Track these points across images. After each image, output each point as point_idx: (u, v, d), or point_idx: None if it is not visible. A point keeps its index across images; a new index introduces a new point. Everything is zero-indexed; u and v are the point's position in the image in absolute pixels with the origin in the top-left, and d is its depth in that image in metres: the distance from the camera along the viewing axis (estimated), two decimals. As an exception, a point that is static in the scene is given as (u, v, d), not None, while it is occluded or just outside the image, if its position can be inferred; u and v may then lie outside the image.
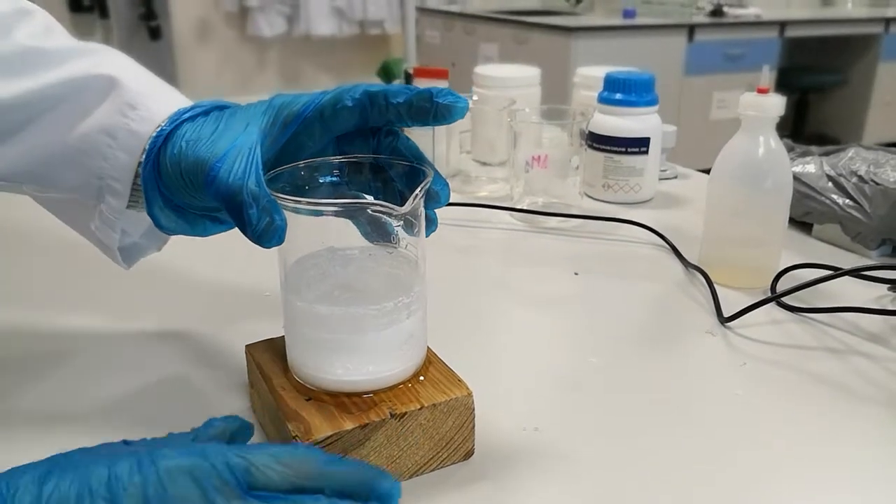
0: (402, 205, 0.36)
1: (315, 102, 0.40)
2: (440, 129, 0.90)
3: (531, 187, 0.80)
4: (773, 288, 0.62)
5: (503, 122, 0.85)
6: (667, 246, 0.72)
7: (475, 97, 0.90)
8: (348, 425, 0.37)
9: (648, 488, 0.40)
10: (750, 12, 3.50)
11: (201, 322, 0.57)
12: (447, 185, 0.41)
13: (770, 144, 0.61)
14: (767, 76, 0.61)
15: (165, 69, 3.33)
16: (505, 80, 0.92)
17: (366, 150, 0.42)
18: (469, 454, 0.41)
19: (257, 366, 0.43)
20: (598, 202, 0.85)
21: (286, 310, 0.40)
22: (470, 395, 0.40)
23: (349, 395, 0.39)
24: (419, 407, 0.39)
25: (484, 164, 0.91)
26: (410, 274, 0.40)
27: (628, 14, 3.32)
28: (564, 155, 0.78)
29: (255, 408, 0.45)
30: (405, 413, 0.38)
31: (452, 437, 0.40)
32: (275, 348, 0.44)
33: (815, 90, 4.08)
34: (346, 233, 0.40)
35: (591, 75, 0.93)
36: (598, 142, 0.83)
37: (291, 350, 0.41)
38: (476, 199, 0.84)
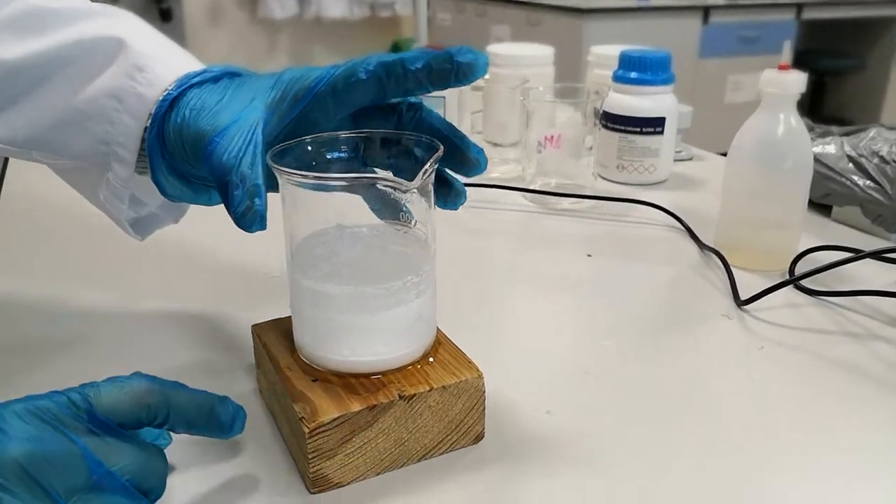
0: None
1: (327, 77, 0.39)
2: (451, 108, 0.89)
3: (543, 168, 0.78)
4: (791, 271, 0.61)
5: (516, 101, 0.84)
6: (682, 228, 0.70)
7: (487, 76, 0.88)
8: (356, 407, 0.36)
9: (662, 473, 0.39)
10: (766, -6, 3.44)
11: (208, 302, 0.56)
12: (481, 150, 0.40)
13: (790, 123, 0.59)
14: (788, 53, 0.59)
15: (176, 51, 3.32)
16: (518, 59, 0.91)
17: (387, 126, 0.41)
18: (479, 437, 0.40)
19: (263, 346, 0.42)
20: (611, 183, 0.84)
21: (292, 289, 0.39)
22: (480, 377, 0.39)
23: (357, 376, 0.38)
24: (428, 388, 0.38)
25: (496, 144, 0.89)
26: (420, 253, 0.39)
27: (642, -5, 3.27)
28: (578, 135, 0.77)
29: (262, 389, 0.44)
30: (414, 395, 0.37)
31: (462, 420, 0.39)
32: (282, 328, 0.43)
33: (832, 74, 4.02)
34: (354, 210, 0.39)
35: (605, 54, 0.91)
36: (612, 121, 0.81)
37: (298, 330, 0.40)
38: (487, 181, 0.82)
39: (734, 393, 0.46)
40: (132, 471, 0.32)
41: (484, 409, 0.40)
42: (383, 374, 0.39)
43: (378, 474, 0.38)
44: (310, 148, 0.39)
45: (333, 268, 0.39)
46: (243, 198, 0.36)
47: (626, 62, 0.80)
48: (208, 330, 0.52)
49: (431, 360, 0.40)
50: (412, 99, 0.41)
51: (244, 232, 0.36)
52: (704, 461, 0.40)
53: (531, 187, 0.78)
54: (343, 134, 0.40)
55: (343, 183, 0.36)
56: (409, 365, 0.39)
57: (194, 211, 0.50)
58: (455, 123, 0.88)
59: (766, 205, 0.61)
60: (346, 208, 0.38)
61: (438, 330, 0.42)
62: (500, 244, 0.70)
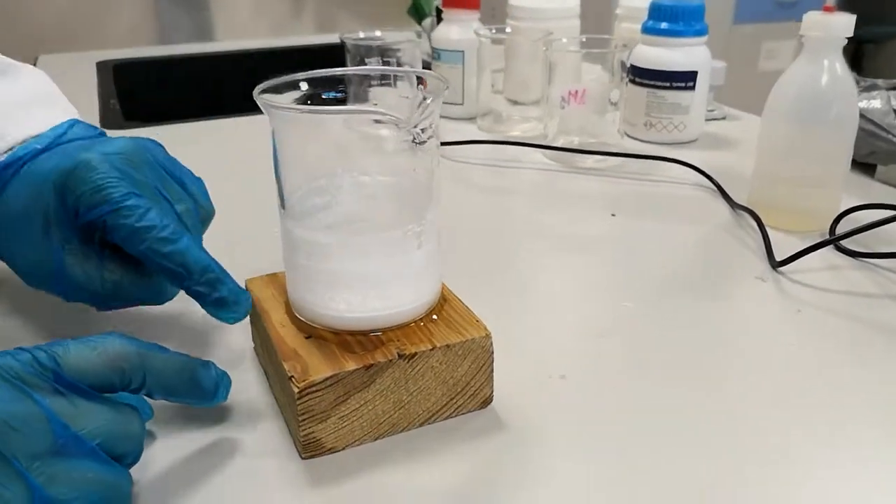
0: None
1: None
2: (470, 64, 0.85)
3: (566, 125, 0.74)
4: (831, 231, 0.56)
5: (538, 55, 0.79)
6: (712, 187, 0.66)
7: (508, 30, 0.84)
8: (351, 366, 0.33)
9: (685, 444, 0.35)
10: (805, -44, 3.31)
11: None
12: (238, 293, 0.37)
13: (835, 70, 0.54)
14: (834, -6, 0.54)
15: (201, 16, 3.29)
16: (541, 12, 0.86)
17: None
18: (487, 402, 0.37)
19: (256, 302, 0.39)
20: (638, 142, 0.79)
21: (284, 239, 0.36)
22: (488, 336, 0.36)
23: (353, 333, 0.35)
24: (431, 347, 0.35)
25: (516, 103, 0.85)
26: (422, 200, 0.36)
27: (675, -42, 3.16)
28: (603, 90, 0.72)
29: (256, 347, 0.42)
30: (415, 354, 0.34)
31: (468, 383, 0.36)
32: (277, 284, 0.40)
33: (872, 41, 3.87)
34: (350, 154, 0.36)
35: (634, 6, 0.86)
36: (640, 76, 0.77)
37: (291, 284, 0.37)
38: (507, 138, 0.78)
39: (768, 360, 0.42)
40: (103, 434, 0.29)
41: (492, 371, 0.37)
42: (382, 331, 0.36)
43: (376, 439, 0.35)
44: (305, 86, 0.36)
45: (327, 215, 0.35)
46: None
47: (657, 12, 0.75)
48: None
49: (435, 317, 0.37)
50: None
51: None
52: (734, 433, 0.36)
53: (553, 145, 0.74)
54: (339, 71, 0.36)
55: (338, 117, 0.33)
56: (410, 322, 0.36)
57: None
58: (474, 78, 0.85)
59: (806, 160, 0.57)
60: (342, 151, 0.35)
61: (444, 286, 0.39)
62: (518, 202, 0.66)
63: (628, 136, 0.80)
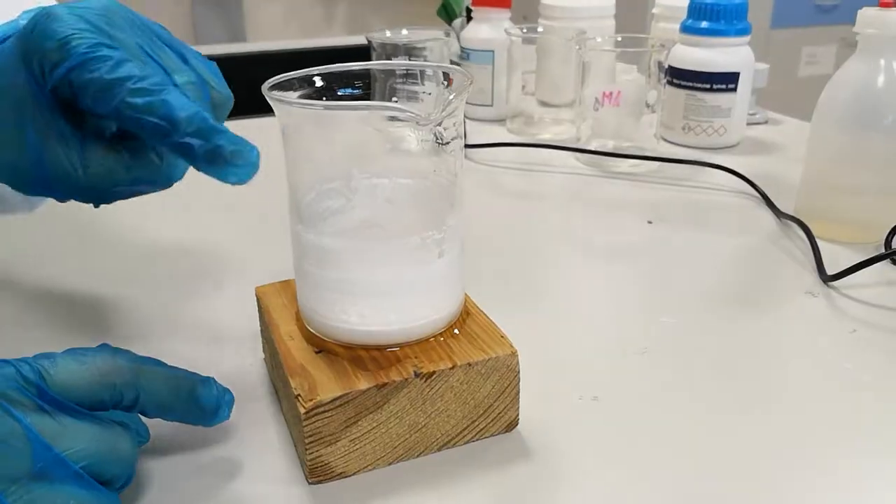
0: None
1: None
2: (500, 64, 0.82)
3: (600, 128, 0.71)
4: (887, 243, 0.52)
5: (571, 55, 0.76)
6: (756, 195, 0.62)
7: (541, 29, 0.81)
8: (362, 384, 0.30)
9: (728, 476, 0.32)
10: (847, -41, 3.23)
11: (223, 259, 0.51)
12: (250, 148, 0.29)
13: (893, 70, 0.50)
14: (893, -12, 0.50)
15: (234, 18, 3.31)
16: (574, 11, 0.83)
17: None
18: (512, 425, 0.34)
19: (265, 311, 0.37)
20: (676, 146, 0.76)
21: (294, 245, 0.34)
22: (514, 354, 0.33)
23: (367, 348, 0.33)
24: (451, 366, 0.32)
25: (548, 105, 0.82)
26: (443, 204, 0.33)
27: (712, -39, 3.11)
28: (639, 91, 0.69)
29: (266, 358, 0.39)
30: (433, 373, 0.31)
31: (492, 405, 0.33)
32: (289, 292, 0.38)
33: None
34: (364, 154, 0.33)
35: (672, 5, 0.82)
36: (678, 77, 0.73)
37: (301, 293, 0.35)
38: (538, 141, 0.75)
39: (820, 383, 0.39)
40: (90, 455, 0.26)
41: (518, 392, 0.34)
42: (399, 346, 0.33)
43: (390, 464, 0.32)
44: (319, 82, 0.33)
45: (340, 220, 0.33)
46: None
47: (697, 10, 0.71)
48: (219, 292, 0.47)
49: (457, 332, 0.34)
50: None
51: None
52: (783, 464, 0.33)
53: (586, 148, 0.70)
54: (356, 66, 0.34)
55: (352, 114, 0.30)
56: (429, 337, 0.33)
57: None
58: (504, 79, 0.82)
59: (860, 168, 0.53)
60: (356, 151, 0.32)
61: (468, 298, 0.36)
62: (548, 208, 0.63)
63: (665, 139, 0.76)
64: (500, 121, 0.84)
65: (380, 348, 0.33)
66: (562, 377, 0.38)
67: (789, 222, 0.56)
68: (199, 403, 0.30)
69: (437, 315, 0.33)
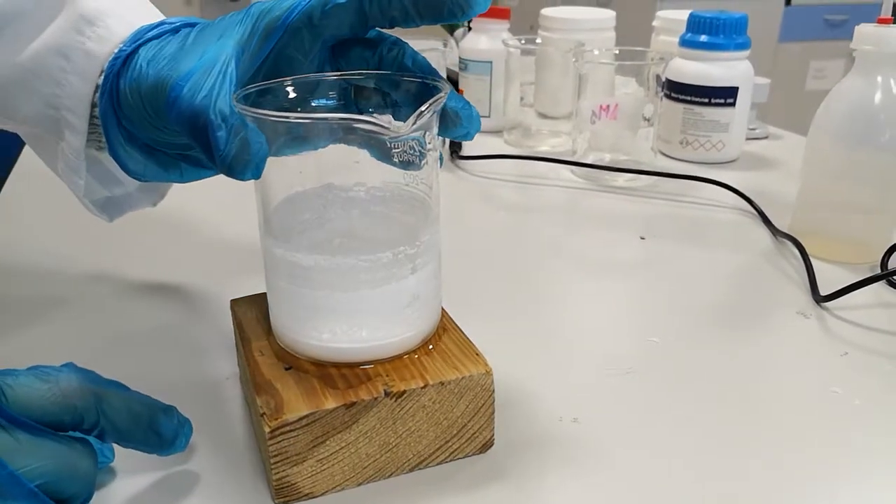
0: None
1: (301, 5, 0.32)
2: (497, 76, 0.81)
3: (597, 141, 0.70)
4: (883, 264, 0.51)
5: (569, 67, 0.76)
6: (753, 211, 0.61)
7: (539, 40, 0.80)
8: (330, 403, 0.30)
9: (707, 500, 0.31)
10: (857, -26, 3.22)
11: (201, 275, 0.50)
12: (470, 106, 0.33)
13: (890, 88, 0.49)
14: (890, 5, 0.49)
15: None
16: (574, 23, 0.82)
17: (366, 66, 0.34)
18: (487, 446, 0.33)
19: (238, 325, 0.36)
20: (673, 160, 0.75)
21: (266, 259, 0.33)
22: (489, 373, 0.32)
23: (338, 365, 0.32)
24: (423, 385, 0.31)
25: (546, 116, 0.82)
26: (418, 218, 0.32)
27: (721, -25, 3.10)
28: (636, 105, 0.68)
29: (241, 373, 0.38)
30: (404, 392, 0.30)
31: (465, 424, 0.32)
32: (264, 305, 0.37)
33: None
34: (334, 167, 0.32)
35: (672, 18, 0.81)
36: (677, 91, 0.72)
37: (272, 308, 0.34)
38: (536, 154, 0.74)
39: (810, 408, 0.38)
40: (47, 473, 0.26)
41: (493, 412, 0.33)
42: (371, 364, 0.32)
43: (360, 485, 0.32)
44: (291, 94, 0.32)
45: (312, 235, 0.32)
46: (229, 138, 0.30)
47: (696, 24, 0.71)
48: (197, 304, 0.47)
49: (431, 348, 0.33)
50: (393, 37, 0.34)
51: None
52: (770, 488, 0.32)
53: (582, 161, 0.70)
54: (330, 76, 0.33)
55: (317, 122, 0.30)
56: (402, 355, 0.33)
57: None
58: (501, 90, 0.81)
59: (855, 185, 0.52)
60: (327, 164, 0.32)
61: (445, 314, 0.36)
62: (542, 222, 0.62)
63: (662, 154, 0.75)
64: (498, 132, 0.83)
65: (350, 366, 0.32)
66: (543, 397, 0.38)
67: (784, 240, 0.55)
68: (158, 432, 0.30)
69: (410, 332, 0.33)
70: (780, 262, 0.53)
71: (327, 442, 0.30)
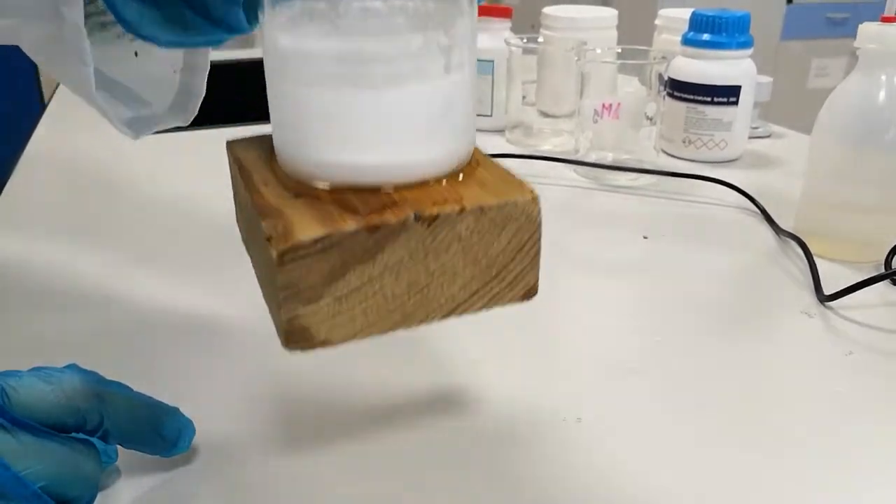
0: None
1: None
2: (499, 74, 0.81)
3: (599, 140, 0.70)
4: (887, 263, 0.51)
5: (572, 66, 0.75)
6: (756, 210, 0.61)
7: (541, 39, 0.80)
8: (350, 226, 0.25)
9: (711, 499, 0.31)
10: (859, -28, 3.21)
11: (210, 270, 0.50)
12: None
13: (894, 86, 0.49)
14: (894, 4, 0.49)
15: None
16: (576, 21, 0.82)
17: None
18: (530, 293, 0.29)
19: (236, 163, 0.31)
20: (676, 159, 0.75)
21: (268, 60, 0.28)
22: (535, 199, 0.27)
23: (357, 190, 0.27)
24: (459, 209, 0.26)
25: (548, 115, 0.81)
26: (450, 6, 0.27)
27: (722, -27, 3.10)
28: (639, 104, 0.68)
29: (241, 231, 0.33)
30: (437, 216, 0.26)
31: (507, 265, 0.28)
32: (266, 144, 0.31)
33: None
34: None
35: (675, 17, 0.81)
36: (679, 89, 0.72)
37: (276, 127, 0.29)
38: (536, 153, 0.74)
39: (813, 407, 0.38)
40: (50, 475, 0.26)
41: (538, 250, 0.28)
42: (394, 188, 0.27)
43: (384, 333, 0.27)
44: None
45: (321, 17, 0.26)
46: None
47: (699, 22, 0.71)
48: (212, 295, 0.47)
49: (462, 179, 0.28)
50: None
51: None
52: (773, 489, 0.32)
53: (584, 160, 0.70)
54: None
55: None
56: (430, 180, 0.27)
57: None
58: (504, 89, 0.81)
59: (859, 184, 0.52)
60: None
61: (477, 151, 0.31)
62: (545, 221, 0.62)
63: (665, 152, 0.75)
64: (500, 131, 0.83)
65: (371, 189, 0.27)
66: (546, 397, 0.38)
67: (787, 239, 0.55)
68: (161, 433, 0.30)
69: (442, 152, 0.28)
70: (783, 261, 0.53)
71: (347, 275, 0.25)
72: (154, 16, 0.33)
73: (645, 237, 0.57)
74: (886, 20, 0.49)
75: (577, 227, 0.61)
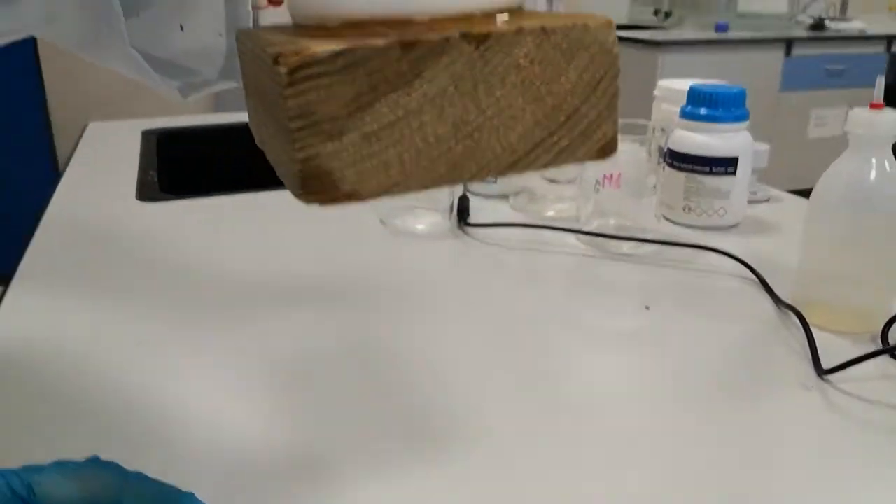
0: None
1: None
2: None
3: (601, 208, 0.72)
4: (883, 335, 0.53)
5: (574, 136, 0.78)
6: (755, 279, 0.63)
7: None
8: (379, 41, 0.20)
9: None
10: (853, 26, 3.29)
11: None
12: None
13: (884, 168, 0.52)
14: (882, 89, 0.52)
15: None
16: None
17: None
18: (608, 148, 0.24)
19: (248, 39, 0.25)
20: (677, 226, 0.77)
21: None
22: (610, 24, 0.23)
23: (388, 23, 0.22)
24: (515, 29, 0.21)
25: (552, 181, 0.84)
26: None
27: (721, 28, 3.17)
28: (640, 173, 0.70)
29: (254, 131, 0.28)
30: (489, 35, 0.21)
31: (578, 108, 0.23)
32: (283, 28, 0.27)
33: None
34: None
35: (673, 88, 0.84)
36: (679, 160, 0.75)
37: None
38: (542, 220, 0.77)
39: (811, 484, 0.39)
40: None
41: (616, 92, 0.23)
42: (430, 20, 0.22)
43: (427, 187, 0.22)
44: None
45: None
46: None
47: (696, 97, 0.73)
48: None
49: (514, 14, 0.24)
50: None
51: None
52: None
53: (587, 229, 0.72)
54: None
55: None
56: (476, 14, 0.23)
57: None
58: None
59: (854, 258, 0.54)
60: None
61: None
62: (548, 291, 0.64)
63: (667, 219, 0.78)
64: (504, 197, 0.85)
65: (406, 21, 0.22)
66: (549, 467, 0.39)
67: (786, 310, 0.57)
68: None
69: None
70: (782, 332, 0.55)
71: (377, 105, 0.21)
72: None
73: (647, 307, 0.59)
74: (874, 107, 0.51)
75: (581, 296, 0.63)
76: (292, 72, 0.20)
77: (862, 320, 0.54)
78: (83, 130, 1.23)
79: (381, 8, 0.22)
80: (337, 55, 0.20)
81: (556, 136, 0.23)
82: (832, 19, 3.38)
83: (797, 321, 0.55)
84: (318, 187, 0.21)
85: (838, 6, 3.64)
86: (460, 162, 0.22)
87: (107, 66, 0.37)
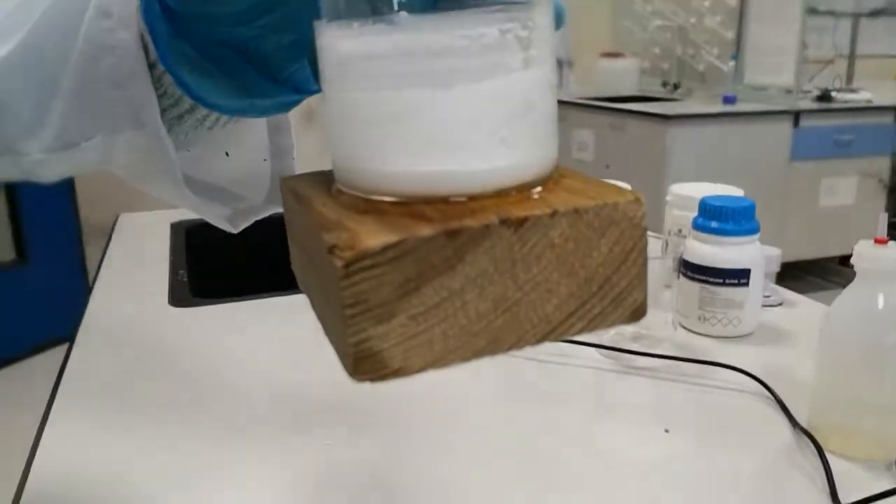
0: None
1: None
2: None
3: (618, 319, 0.74)
4: (899, 466, 0.54)
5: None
6: (771, 397, 0.64)
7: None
8: (425, 231, 0.22)
9: None
10: (860, 97, 3.35)
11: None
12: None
13: (892, 300, 0.53)
14: (885, 224, 0.54)
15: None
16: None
17: None
18: (638, 312, 0.26)
19: (291, 193, 0.28)
20: (693, 334, 0.79)
21: (325, 69, 0.25)
22: (639, 201, 0.24)
23: (430, 201, 0.24)
24: (550, 212, 0.23)
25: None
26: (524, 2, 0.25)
27: (729, 100, 3.23)
28: (655, 284, 0.73)
29: (298, 275, 0.30)
30: (526, 219, 0.23)
31: (609, 277, 0.24)
32: (324, 177, 0.29)
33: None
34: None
35: (684, 195, 0.87)
36: (692, 271, 0.77)
37: (336, 140, 0.26)
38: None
39: None
40: None
41: (645, 261, 0.25)
42: (469, 199, 0.24)
43: (468, 360, 0.24)
44: None
45: (382, 9, 0.24)
46: None
47: (707, 211, 0.76)
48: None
49: (542, 192, 0.25)
50: None
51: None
52: None
53: (605, 335, 0.74)
54: None
55: None
56: (511, 189, 0.24)
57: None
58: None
59: (867, 386, 0.55)
60: None
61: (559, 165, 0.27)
62: (565, 410, 0.65)
63: (683, 327, 0.79)
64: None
65: (445, 200, 0.24)
66: None
67: (801, 433, 0.58)
68: None
69: (522, 154, 0.24)
70: (799, 459, 0.56)
71: (423, 289, 0.22)
72: (218, 84, 0.32)
73: (666, 430, 0.60)
74: (879, 242, 0.53)
75: (600, 418, 0.64)
76: (348, 265, 0.21)
77: (879, 447, 0.55)
78: (114, 224, 1.26)
79: (423, 189, 0.24)
80: (388, 247, 0.22)
81: (589, 304, 0.25)
82: (839, 90, 3.43)
83: (814, 448, 0.56)
84: (369, 367, 0.22)
85: (844, 77, 3.71)
86: (500, 335, 0.24)
87: (157, 196, 0.37)
